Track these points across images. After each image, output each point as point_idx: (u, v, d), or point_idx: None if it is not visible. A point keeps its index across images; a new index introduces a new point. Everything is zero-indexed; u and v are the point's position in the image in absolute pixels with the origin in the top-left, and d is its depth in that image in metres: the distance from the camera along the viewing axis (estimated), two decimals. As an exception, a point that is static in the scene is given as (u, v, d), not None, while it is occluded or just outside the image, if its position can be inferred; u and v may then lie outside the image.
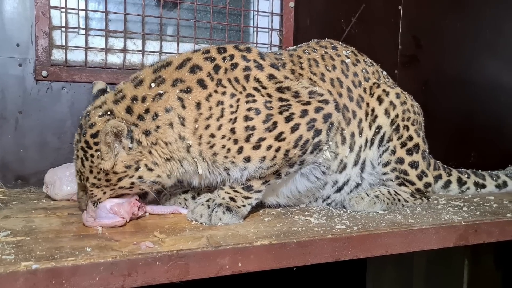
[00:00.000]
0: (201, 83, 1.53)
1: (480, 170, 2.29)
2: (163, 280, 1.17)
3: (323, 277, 2.74)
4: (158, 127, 1.49)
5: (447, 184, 2.15)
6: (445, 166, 2.18)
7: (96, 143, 1.46)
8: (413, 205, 1.86)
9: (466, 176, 2.18)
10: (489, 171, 2.29)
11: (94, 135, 1.46)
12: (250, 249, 1.27)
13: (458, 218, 1.65)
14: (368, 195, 1.76)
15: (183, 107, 1.51)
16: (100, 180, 1.49)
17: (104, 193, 1.52)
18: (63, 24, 2.13)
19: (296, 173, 1.67)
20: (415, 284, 2.76)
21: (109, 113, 1.48)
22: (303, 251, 1.34)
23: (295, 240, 1.33)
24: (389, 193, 1.82)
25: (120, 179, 1.50)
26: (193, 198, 1.71)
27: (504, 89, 3.06)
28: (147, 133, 1.49)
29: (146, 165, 1.50)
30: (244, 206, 1.57)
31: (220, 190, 1.60)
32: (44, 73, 2.05)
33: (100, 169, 1.47)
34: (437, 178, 2.12)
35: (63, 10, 2.12)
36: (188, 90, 1.52)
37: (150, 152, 1.50)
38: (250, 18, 2.60)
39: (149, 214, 1.60)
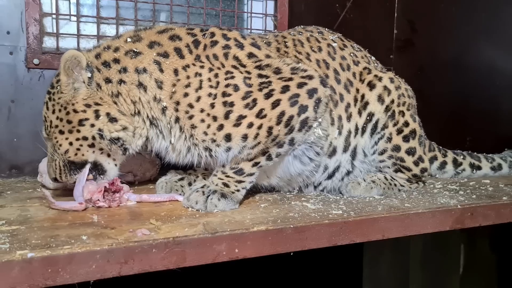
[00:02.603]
0: (179, 52, 1.56)
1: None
2: (160, 267, 1.17)
3: (320, 262, 2.76)
4: (123, 82, 1.53)
5: (443, 165, 2.15)
6: (440, 147, 2.18)
7: (58, 81, 1.50)
8: (409, 189, 1.86)
9: (462, 157, 2.18)
10: (484, 154, 2.30)
11: (57, 75, 1.53)
12: (247, 235, 1.27)
13: (454, 201, 1.65)
14: (364, 180, 1.76)
15: (161, 71, 1.53)
16: (62, 120, 1.50)
17: (70, 143, 1.51)
18: (54, 11, 2.09)
19: (287, 155, 1.66)
20: (412, 269, 2.78)
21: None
22: (300, 236, 1.34)
23: (292, 226, 1.33)
24: (386, 178, 1.81)
25: (80, 122, 1.49)
26: (190, 185, 1.70)
27: (500, 73, 3.04)
28: (107, 80, 1.52)
29: (107, 114, 1.51)
30: (238, 190, 1.56)
31: (213, 177, 1.59)
32: (36, 61, 2.03)
33: (61, 105, 1.49)
34: (433, 159, 2.12)
35: (53, -4, 2.08)
36: (165, 55, 1.55)
37: (115, 103, 1.52)
38: (244, 4, 2.57)
39: (146, 202, 1.58)
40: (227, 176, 1.57)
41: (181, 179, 1.72)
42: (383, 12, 2.78)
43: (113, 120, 1.52)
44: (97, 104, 1.51)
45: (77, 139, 1.51)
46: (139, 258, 1.14)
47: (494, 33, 3.02)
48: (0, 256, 1.02)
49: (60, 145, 1.52)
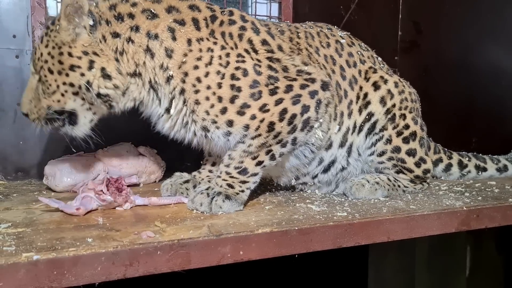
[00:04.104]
0: (196, 23, 1.54)
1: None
2: (165, 269, 1.17)
3: (325, 265, 2.75)
4: (131, 41, 1.49)
5: (448, 167, 2.14)
6: (446, 149, 2.17)
7: (58, 20, 1.47)
8: (413, 190, 1.85)
9: (467, 159, 2.17)
10: (489, 155, 2.29)
11: (59, 18, 1.47)
12: (252, 237, 1.27)
13: (460, 203, 1.64)
14: (368, 182, 1.75)
15: (174, 39, 1.50)
16: (54, 58, 1.47)
17: (58, 85, 1.47)
18: (59, 15, 2.10)
19: (289, 155, 1.67)
20: (418, 271, 2.77)
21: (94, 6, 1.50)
22: (305, 238, 1.34)
23: (296, 228, 1.33)
24: (389, 179, 1.81)
25: (71, 68, 1.46)
26: (195, 187, 1.70)
27: (505, 74, 3.04)
28: (115, 35, 1.48)
29: (102, 69, 1.47)
30: (242, 191, 1.56)
31: (217, 178, 1.59)
32: (42, 64, 2.04)
33: (56, 43, 1.46)
34: (438, 161, 2.12)
35: (59, 0, 2.09)
36: (182, 23, 1.52)
37: (116, 60, 1.48)
38: (248, 6, 2.57)
39: (154, 205, 1.58)
40: (231, 177, 1.57)
41: (186, 181, 1.72)
42: (388, 14, 2.78)
43: (106, 76, 1.48)
44: (95, 54, 1.46)
45: (64, 83, 1.48)
46: (144, 260, 1.14)
47: (499, 34, 3.01)
48: (6, 258, 1.02)
49: (50, 85, 1.49)
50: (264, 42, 1.59)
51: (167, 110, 1.58)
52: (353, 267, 2.91)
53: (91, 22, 1.46)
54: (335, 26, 1.95)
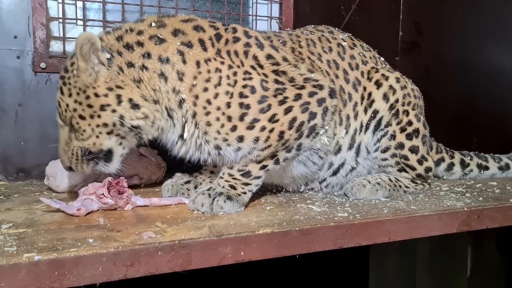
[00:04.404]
0: (202, 44, 1.54)
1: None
2: (166, 269, 1.17)
3: (326, 265, 2.75)
4: (145, 68, 1.48)
5: (450, 166, 2.15)
6: (448, 148, 2.17)
7: (72, 64, 1.46)
8: (414, 191, 1.85)
9: (469, 158, 2.18)
10: (491, 154, 2.29)
11: (72, 63, 1.46)
12: (253, 238, 1.27)
13: (461, 204, 1.64)
14: (369, 182, 1.75)
15: (184, 62, 1.50)
16: (82, 104, 1.44)
17: (92, 129, 1.46)
18: (60, 15, 2.11)
19: (293, 160, 1.67)
20: (419, 271, 2.77)
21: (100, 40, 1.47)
22: (306, 239, 1.34)
23: (297, 228, 1.33)
24: (390, 180, 1.81)
25: (102, 107, 1.44)
26: (196, 188, 1.70)
27: (506, 74, 3.03)
28: (130, 64, 1.47)
29: (130, 100, 1.46)
30: (244, 193, 1.56)
31: (220, 179, 1.59)
32: (43, 65, 2.04)
33: (79, 89, 1.44)
34: (440, 161, 2.12)
35: (60, 1, 2.09)
36: (190, 45, 1.52)
37: (138, 87, 1.48)
38: (249, 6, 2.57)
39: (155, 206, 1.58)
40: (234, 178, 1.58)
41: (187, 182, 1.73)
42: (389, 14, 2.78)
43: (135, 106, 1.47)
44: (119, 87, 1.45)
45: (98, 126, 1.46)
46: (145, 260, 1.14)
47: (500, 35, 3.01)
48: (7, 259, 1.03)
49: (84, 130, 1.47)
50: (269, 57, 1.59)
51: (181, 136, 1.57)
52: (354, 267, 2.90)
53: (107, 56, 1.45)
54: (336, 28, 1.95)
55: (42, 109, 2.07)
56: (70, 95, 1.46)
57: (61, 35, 2.12)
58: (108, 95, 1.45)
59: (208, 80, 1.51)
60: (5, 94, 2.02)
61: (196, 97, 1.51)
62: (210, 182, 1.73)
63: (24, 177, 2.06)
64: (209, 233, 1.25)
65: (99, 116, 1.45)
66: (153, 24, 1.54)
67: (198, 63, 1.51)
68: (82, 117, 1.46)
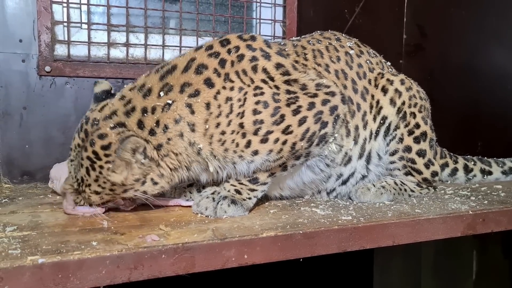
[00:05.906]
0: (208, 83, 1.50)
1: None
2: (169, 273, 1.17)
3: (330, 269, 2.74)
4: (169, 139, 1.47)
5: (454, 171, 2.14)
6: (452, 153, 2.17)
7: (107, 155, 1.41)
8: (419, 195, 1.85)
9: (473, 163, 2.17)
10: (495, 158, 2.27)
11: (105, 147, 1.41)
12: (256, 241, 1.26)
13: (466, 207, 1.63)
14: (374, 186, 1.75)
15: (192, 112, 1.48)
16: (104, 189, 1.46)
17: (102, 198, 1.48)
18: (65, 19, 2.12)
19: (301, 165, 1.67)
20: (424, 275, 2.75)
21: (121, 126, 1.44)
22: (310, 242, 1.33)
23: (301, 232, 1.32)
24: (395, 183, 1.80)
25: (125, 191, 1.47)
26: (198, 191, 1.70)
27: (511, 78, 3.02)
28: (159, 147, 1.47)
29: (152, 179, 1.48)
30: (249, 198, 1.56)
31: (226, 183, 1.59)
32: (48, 68, 2.05)
33: (108, 180, 1.44)
34: (444, 166, 2.11)
35: (65, 4, 2.11)
36: (196, 93, 1.49)
37: (158, 165, 1.48)
38: (253, 10, 2.58)
39: (152, 204, 1.58)
40: (240, 183, 1.58)
41: (190, 185, 1.73)
42: (392, 17, 2.78)
43: (155, 183, 1.49)
44: (145, 176, 1.47)
45: (112, 198, 1.49)
46: (148, 263, 1.14)
47: (505, 37, 3.00)
48: (11, 261, 1.03)
49: (92, 200, 1.48)
50: (278, 66, 1.57)
51: (205, 169, 1.57)
52: (359, 271, 2.89)
53: (143, 160, 1.44)
54: (343, 34, 1.93)
55: (46, 112, 2.08)
56: (96, 180, 1.44)
57: (66, 39, 2.13)
58: (134, 185, 1.46)
59: (219, 115, 1.49)
60: (10, 98, 2.03)
61: (211, 136, 1.50)
62: (214, 185, 1.73)
63: (28, 180, 2.07)
64: (212, 236, 1.25)
65: (118, 194, 1.48)
66: (162, 94, 1.48)
67: (208, 105, 1.49)
68: (98, 193, 1.47)
